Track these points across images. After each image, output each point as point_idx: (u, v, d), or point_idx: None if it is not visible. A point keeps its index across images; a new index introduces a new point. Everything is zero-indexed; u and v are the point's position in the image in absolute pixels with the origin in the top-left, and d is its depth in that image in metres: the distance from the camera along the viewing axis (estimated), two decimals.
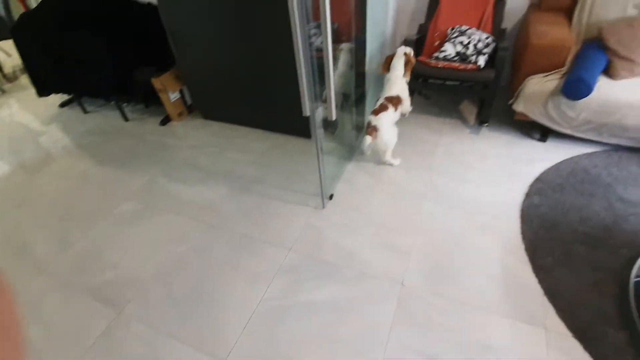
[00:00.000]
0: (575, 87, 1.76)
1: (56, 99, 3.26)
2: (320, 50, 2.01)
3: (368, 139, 1.97)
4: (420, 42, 2.47)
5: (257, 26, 2.02)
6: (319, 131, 1.55)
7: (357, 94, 2.23)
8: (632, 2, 1.98)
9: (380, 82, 2.52)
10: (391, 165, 2.13)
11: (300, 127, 2.30)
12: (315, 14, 2.08)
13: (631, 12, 1.99)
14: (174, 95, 2.65)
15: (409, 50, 2.12)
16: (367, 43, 2.02)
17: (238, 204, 1.94)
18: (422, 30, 2.52)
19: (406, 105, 2.17)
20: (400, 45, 2.15)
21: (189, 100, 2.80)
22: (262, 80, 2.25)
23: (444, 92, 2.81)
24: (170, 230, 1.84)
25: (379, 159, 2.14)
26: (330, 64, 1.28)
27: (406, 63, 2.10)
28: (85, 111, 3.10)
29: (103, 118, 2.98)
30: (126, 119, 2.87)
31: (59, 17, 2.54)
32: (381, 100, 2.07)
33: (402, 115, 2.22)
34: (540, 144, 2.17)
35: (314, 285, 1.50)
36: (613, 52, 1.89)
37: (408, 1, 2.74)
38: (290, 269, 1.58)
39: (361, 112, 2.34)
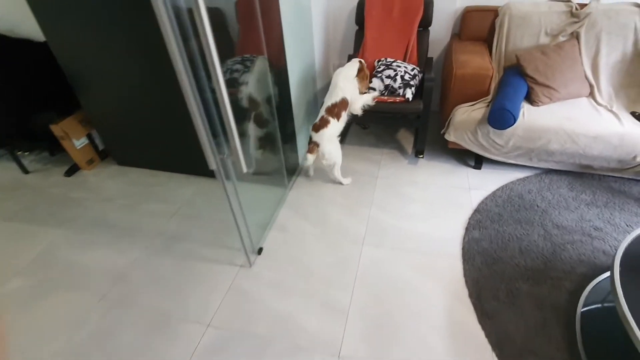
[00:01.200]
0: (500, 117, 1.74)
1: None
2: (235, 86, 1.85)
3: (309, 157, 1.91)
4: None
5: (166, 60, 1.80)
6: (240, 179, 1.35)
7: (289, 130, 2.08)
8: (543, 30, 2.05)
9: (312, 118, 2.40)
10: (341, 184, 2.10)
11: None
12: (238, 49, 1.92)
13: (544, 40, 2.06)
14: (80, 142, 2.32)
15: (363, 61, 2.07)
16: (290, 73, 1.87)
17: (152, 269, 1.66)
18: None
19: (356, 105, 2.03)
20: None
21: (101, 145, 2.48)
22: (180, 119, 2.02)
23: (381, 121, 2.76)
24: (68, 313, 1.50)
25: (330, 178, 2.09)
26: (229, 113, 1.10)
27: (360, 70, 2.03)
28: None
29: None
30: (25, 171, 2.46)
31: None
32: (322, 113, 1.96)
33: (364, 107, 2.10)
34: (475, 171, 2.14)
35: None
36: (532, 79, 1.92)
37: (336, 32, 2.69)
38: (210, 350, 1.32)
39: (293, 150, 2.18)
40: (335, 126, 1.94)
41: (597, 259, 1.57)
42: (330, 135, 1.92)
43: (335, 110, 1.94)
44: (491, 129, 1.86)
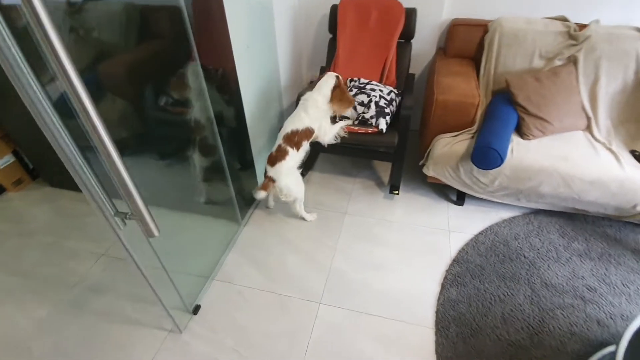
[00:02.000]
0: (486, 156, 1.49)
1: None
2: (177, 105, 1.54)
3: (261, 194, 1.61)
4: None
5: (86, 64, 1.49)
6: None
7: (245, 155, 1.79)
8: (538, 51, 1.80)
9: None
10: (304, 220, 1.83)
11: (184, 202, 1.78)
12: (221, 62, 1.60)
13: (537, 63, 1.81)
14: (3, 161, 1.98)
15: (340, 76, 1.77)
16: (244, 88, 1.58)
17: (58, 336, 1.35)
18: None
19: (327, 138, 1.75)
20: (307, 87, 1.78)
21: (31, 164, 2.14)
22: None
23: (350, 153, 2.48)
24: None
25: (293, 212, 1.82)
26: (117, 161, 0.81)
27: (336, 87, 1.71)
28: None
29: None
30: None
31: None
32: (279, 140, 1.66)
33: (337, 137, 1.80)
34: (457, 208, 1.89)
35: None
36: (522, 109, 1.67)
37: (307, 40, 2.40)
38: None
39: (251, 177, 1.90)
40: (295, 157, 1.66)
41: (590, 330, 1.33)
42: (288, 168, 1.64)
43: (296, 139, 1.65)
44: (475, 167, 1.61)
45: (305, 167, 2.19)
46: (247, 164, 1.86)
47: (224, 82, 1.52)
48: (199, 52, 1.30)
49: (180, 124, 1.56)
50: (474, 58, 2.04)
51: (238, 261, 1.63)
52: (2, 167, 1.99)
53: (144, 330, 1.36)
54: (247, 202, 1.91)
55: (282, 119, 2.22)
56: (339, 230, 1.78)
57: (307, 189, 2.04)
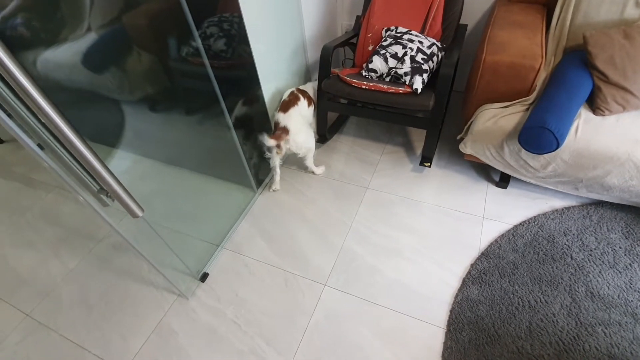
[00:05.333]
0: (537, 139, 1.21)
1: None
2: (195, 55, 1.43)
3: (270, 141, 1.52)
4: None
5: None
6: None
7: (256, 122, 1.68)
8: None
9: None
10: (314, 173, 1.82)
11: (201, 163, 1.76)
12: (222, 6, 1.46)
13: (631, 12, 1.37)
14: None
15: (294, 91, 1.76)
16: (255, 49, 1.42)
17: (84, 287, 1.47)
18: (358, 26, 1.90)
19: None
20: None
21: None
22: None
23: (378, 116, 2.22)
24: None
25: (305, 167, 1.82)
26: (73, 138, 0.74)
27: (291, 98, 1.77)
28: None
29: None
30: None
31: None
32: (291, 89, 1.69)
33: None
34: (498, 191, 1.64)
35: None
36: (601, 75, 1.30)
37: None
38: None
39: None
40: (306, 110, 1.67)
41: (635, 355, 1.12)
42: (302, 115, 1.63)
43: (307, 95, 1.69)
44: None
45: (331, 131, 2.03)
46: (260, 123, 1.72)
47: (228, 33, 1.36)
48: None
49: (199, 76, 1.47)
50: (546, 3, 1.61)
51: (249, 231, 1.60)
52: None
53: (155, 292, 1.42)
54: (263, 168, 1.83)
55: (307, 74, 2.03)
56: (356, 206, 1.65)
57: (330, 156, 1.93)
